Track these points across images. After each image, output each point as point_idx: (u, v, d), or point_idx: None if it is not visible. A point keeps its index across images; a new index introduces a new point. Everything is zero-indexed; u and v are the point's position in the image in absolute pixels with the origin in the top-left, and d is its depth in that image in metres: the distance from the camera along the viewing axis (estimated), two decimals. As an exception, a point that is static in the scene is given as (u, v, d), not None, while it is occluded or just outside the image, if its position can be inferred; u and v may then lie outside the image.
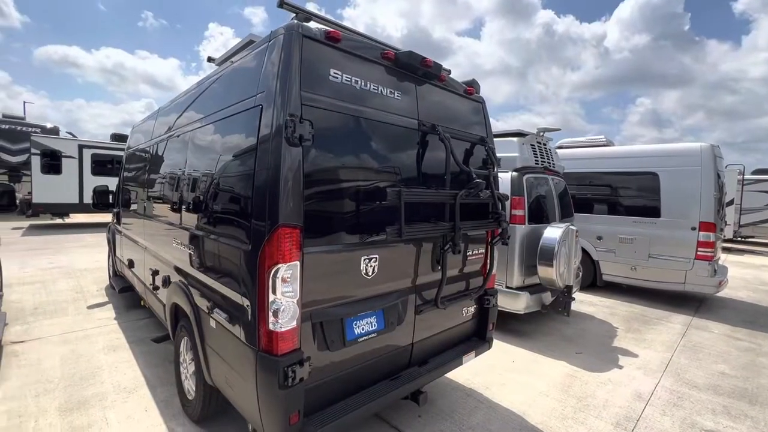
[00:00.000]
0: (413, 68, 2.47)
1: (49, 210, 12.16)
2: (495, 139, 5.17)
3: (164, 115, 3.86)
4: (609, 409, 3.25)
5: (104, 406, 3.00)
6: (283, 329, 1.83)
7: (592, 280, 7.07)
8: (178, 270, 2.92)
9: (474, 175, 2.60)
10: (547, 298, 4.75)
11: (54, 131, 15.33)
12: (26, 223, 13.34)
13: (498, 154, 4.93)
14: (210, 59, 3.09)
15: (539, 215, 4.97)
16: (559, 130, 5.38)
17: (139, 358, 3.83)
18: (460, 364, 2.89)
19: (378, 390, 2.33)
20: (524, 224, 4.69)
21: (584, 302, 6.44)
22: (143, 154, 4.37)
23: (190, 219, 2.69)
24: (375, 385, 2.36)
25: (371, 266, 2.23)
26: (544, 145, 5.45)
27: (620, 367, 4.06)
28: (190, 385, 2.82)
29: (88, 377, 3.42)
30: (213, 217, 2.37)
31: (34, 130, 14.77)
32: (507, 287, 4.68)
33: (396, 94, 2.39)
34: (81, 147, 12.43)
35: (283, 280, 1.83)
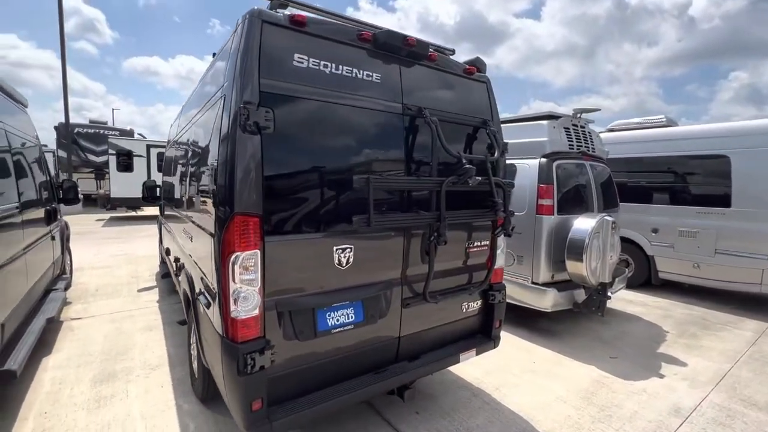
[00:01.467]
0: (395, 49, 2.33)
1: (124, 204, 13.72)
2: (522, 124, 4.85)
3: (184, 112, 4.10)
4: (635, 422, 2.89)
5: (128, 380, 3.30)
6: (243, 317, 1.85)
7: (647, 278, 6.35)
8: (186, 257, 3.10)
9: (465, 161, 2.41)
10: (580, 295, 4.34)
11: (129, 133, 17.22)
12: (107, 216, 15.18)
13: (525, 139, 4.63)
14: (214, 54, 3.19)
15: (573, 205, 4.53)
16: (599, 110, 4.83)
17: (168, 338, 4.16)
18: (457, 361, 2.74)
19: (358, 382, 2.28)
20: (552, 215, 4.30)
21: (633, 302, 5.80)
22: (168, 149, 4.70)
23: (186, 209, 2.83)
24: (356, 378, 2.31)
25: (345, 256, 2.17)
26: (582, 127, 4.94)
27: (661, 377, 3.59)
28: (195, 366, 2.99)
29: (123, 353, 3.79)
30: (195, 207, 2.46)
31: (112, 133, 16.68)
32: (533, 283, 4.35)
33: (375, 77, 2.28)
34: (148, 147, 13.79)
35: (244, 269, 1.84)
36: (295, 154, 2.00)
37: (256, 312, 1.89)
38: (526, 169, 4.53)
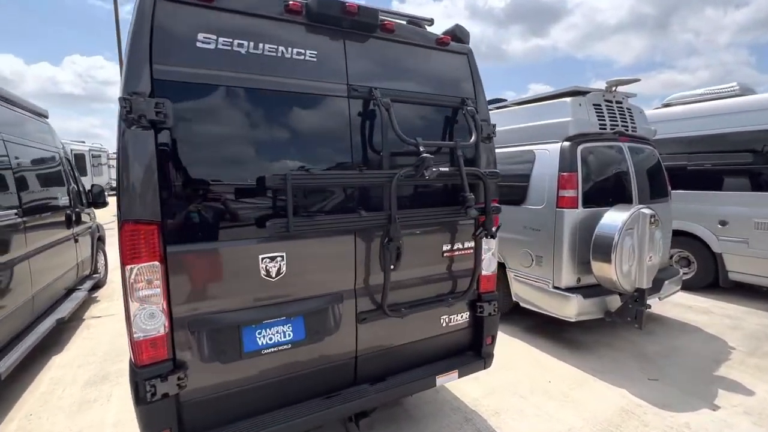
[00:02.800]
0: (334, 20, 1.97)
1: None
2: (541, 104, 4.20)
3: None
4: (667, 469, 2.29)
5: (117, 383, 3.31)
6: (143, 337, 1.63)
7: (713, 279, 5.32)
8: None
9: (422, 149, 1.99)
10: (615, 302, 3.66)
11: None
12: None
13: (544, 121, 4.00)
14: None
15: (605, 196, 3.83)
16: (637, 80, 4.01)
17: (170, 339, 4.19)
18: (433, 385, 2.34)
19: (300, 409, 1.99)
20: (576, 208, 3.66)
21: (693, 308, 4.88)
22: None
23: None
24: (300, 404, 2.02)
25: (275, 266, 1.87)
26: (618, 103, 4.16)
27: (714, 408, 2.87)
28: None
29: (121, 354, 3.85)
30: None
31: None
32: (554, 287, 3.75)
33: (309, 54, 1.94)
34: None
35: (142, 283, 1.62)
36: (205, 150, 1.74)
37: (161, 332, 1.66)
38: (546, 155, 3.90)
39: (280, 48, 1.87)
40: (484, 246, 2.50)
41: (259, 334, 1.89)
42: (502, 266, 4.33)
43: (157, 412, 1.64)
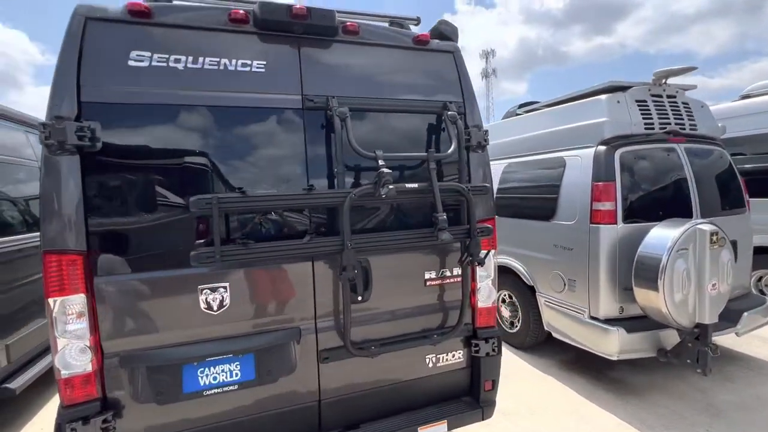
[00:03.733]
0: (282, 26, 1.79)
1: None
2: (572, 104, 3.69)
3: None
4: None
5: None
6: (67, 375, 1.53)
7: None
8: None
9: (381, 163, 1.71)
10: (670, 338, 2.99)
11: None
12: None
13: (576, 124, 3.48)
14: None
15: (655, 209, 3.20)
16: (694, 68, 3.33)
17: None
18: (414, 438, 1.99)
19: None
20: (615, 223, 3.08)
21: (789, 346, 3.89)
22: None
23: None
24: None
25: (217, 298, 1.70)
26: (671, 98, 3.50)
27: (812, 492, 2.14)
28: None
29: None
30: None
31: None
32: (590, 317, 3.18)
33: (256, 65, 1.77)
34: None
35: (70, 316, 1.52)
36: (137, 174, 1.63)
37: (89, 369, 1.55)
38: (578, 162, 3.38)
39: (223, 61, 1.72)
40: (480, 273, 2.12)
41: (201, 372, 1.71)
42: (531, 290, 3.81)
43: None
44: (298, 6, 1.75)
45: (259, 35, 1.80)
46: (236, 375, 1.75)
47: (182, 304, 1.66)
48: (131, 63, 1.61)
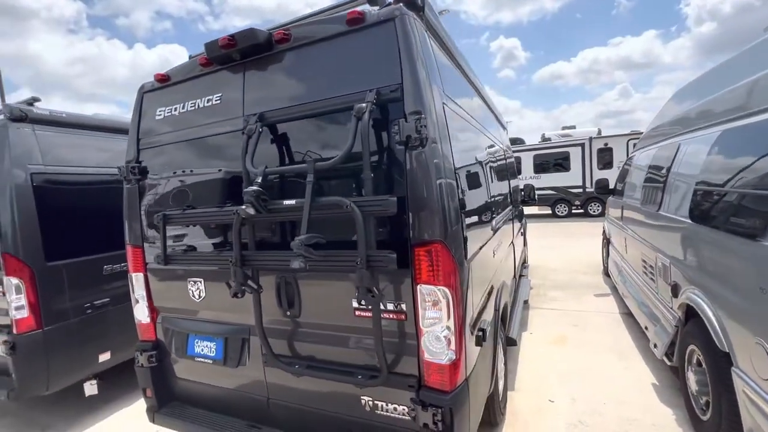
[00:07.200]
0: (224, 59, 1.97)
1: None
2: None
3: None
4: None
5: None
6: (138, 322, 2.45)
7: None
8: None
9: (258, 180, 1.58)
10: None
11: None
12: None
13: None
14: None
15: None
16: None
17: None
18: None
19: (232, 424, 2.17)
20: None
21: None
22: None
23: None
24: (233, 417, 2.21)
25: (197, 290, 2.20)
26: None
27: None
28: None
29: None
30: None
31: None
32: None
33: (215, 98, 2.06)
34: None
35: (137, 285, 2.42)
36: (155, 195, 2.31)
37: (148, 321, 2.42)
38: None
39: (197, 101, 2.13)
40: (431, 314, 1.57)
41: (196, 343, 2.27)
42: (726, 357, 2.14)
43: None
44: (222, 37, 1.88)
45: (217, 72, 2.07)
46: (212, 352, 2.20)
47: (185, 290, 2.26)
48: (157, 118, 2.29)
